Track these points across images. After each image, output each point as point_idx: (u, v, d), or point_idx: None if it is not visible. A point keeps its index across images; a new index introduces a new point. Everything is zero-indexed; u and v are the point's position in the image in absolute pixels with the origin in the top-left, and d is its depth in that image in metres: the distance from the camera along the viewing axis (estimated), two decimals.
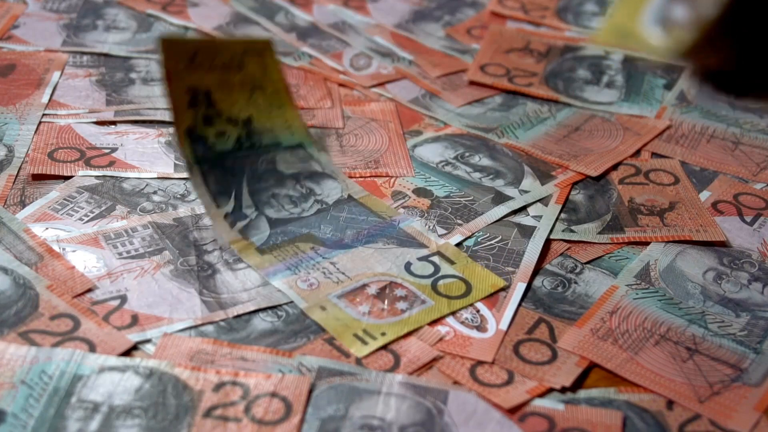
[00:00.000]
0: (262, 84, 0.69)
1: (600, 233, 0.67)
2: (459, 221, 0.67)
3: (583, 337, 0.57)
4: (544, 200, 0.69)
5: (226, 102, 0.67)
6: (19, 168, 0.69)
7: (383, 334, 0.57)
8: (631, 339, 0.57)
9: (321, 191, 0.67)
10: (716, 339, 0.58)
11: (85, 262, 0.61)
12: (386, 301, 0.59)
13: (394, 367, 0.55)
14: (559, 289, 0.62)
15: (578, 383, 0.55)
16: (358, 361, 0.55)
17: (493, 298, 0.60)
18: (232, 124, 0.66)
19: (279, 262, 0.60)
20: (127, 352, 0.55)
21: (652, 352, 0.57)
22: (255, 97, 0.68)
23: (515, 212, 0.68)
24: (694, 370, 0.56)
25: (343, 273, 0.60)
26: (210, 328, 0.57)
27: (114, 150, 0.71)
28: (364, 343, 0.56)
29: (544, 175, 0.72)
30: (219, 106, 0.66)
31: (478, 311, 0.59)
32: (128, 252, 0.62)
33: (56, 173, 0.68)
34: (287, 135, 0.69)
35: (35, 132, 0.72)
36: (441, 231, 0.66)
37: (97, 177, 0.68)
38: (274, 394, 0.53)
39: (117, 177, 0.68)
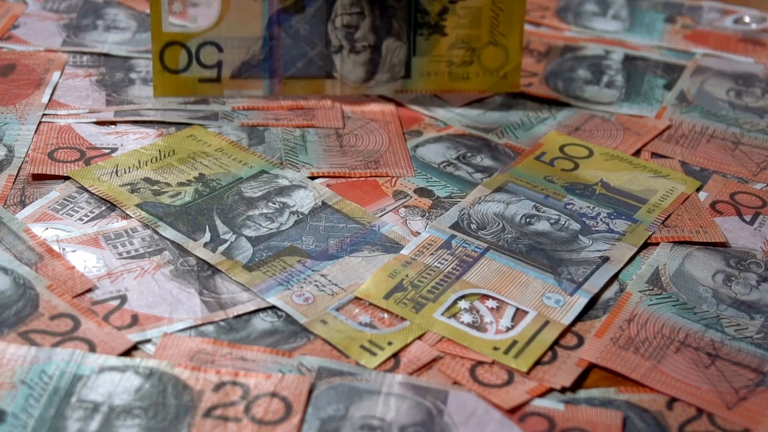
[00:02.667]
0: (203, 150, 0.71)
1: None
2: None
3: (605, 347, 0.57)
4: None
5: (170, 176, 0.68)
6: (19, 168, 0.69)
7: (390, 343, 0.57)
8: (651, 347, 0.57)
9: (294, 202, 0.67)
10: (734, 343, 0.58)
11: (85, 262, 0.61)
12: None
13: (394, 367, 0.55)
14: None
15: (578, 383, 0.55)
16: (358, 362, 0.55)
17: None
18: (184, 185, 0.67)
19: (269, 278, 0.60)
20: (127, 352, 0.55)
21: (674, 359, 0.57)
22: (199, 160, 0.70)
23: None
24: (717, 376, 0.56)
25: (336, 284, 0.60)
26: (210, 328, 0.57)
27: (114, 150, 0.71)
28: (372, 354, 0.56)
29: None
30: (163, 181, 0.68)
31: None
32: (128, 252, 0.62)
33: (56, 173, 0.68)
34: (246, 169, 0.69)
35: (35, 132, 0.72)
36: None
37: None
38: (274, 394, 0.53)
39: None
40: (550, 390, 0.55)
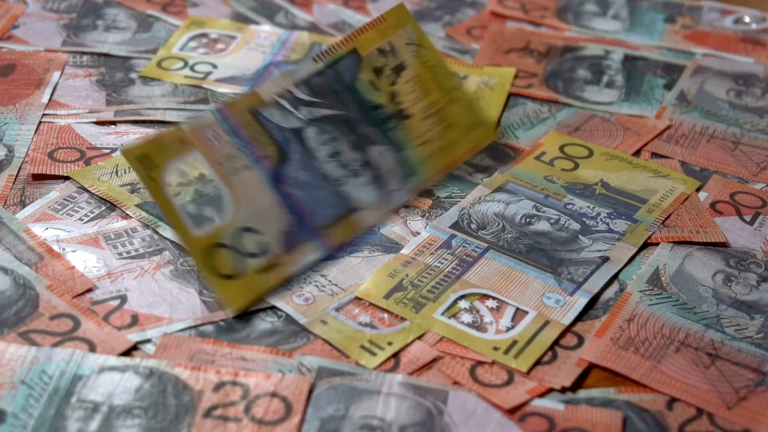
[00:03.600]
0: None
1: None
2: None
3: (605, 347, 0.57)
4: None
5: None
6: (19, 168, 0.69)
7: (390, 343, 0.57)
8: (651, 347, 0.57)
9: None
10: (735, 343, 0.58)
11: (85, 262, 0.61)
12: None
13: (394, 368, 0.55)
14: None
15: (578, 383, 0.55)
16: (358, 362, 0.55)
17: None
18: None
19: None
20: (127, 352, 0.55)
21: (674, 359, 0.57)
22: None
23: None
24: (717, 376, 0.56)
25: (335, 285, 0.60)
26: (210, 328, 0.57)
27: (114, 150, 0.71)
28: (373, 354, 0.56)
29: None
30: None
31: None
32: (128, 252, 0.62)
33: (56, 173, 0.68)
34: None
35: (35, 132, 0.72)
36: None
37: None
38: (274, 394, 0.53)
39: None
40: (550, 390, 0.55)
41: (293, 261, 0.61)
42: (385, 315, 0.59)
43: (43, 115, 0.74)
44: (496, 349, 0.56)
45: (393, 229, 0.65)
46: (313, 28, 0.89)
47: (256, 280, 0.59)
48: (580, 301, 0.60)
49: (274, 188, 0.62)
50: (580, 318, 0.59)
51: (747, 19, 0.97)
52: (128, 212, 0.65)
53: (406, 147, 0.68)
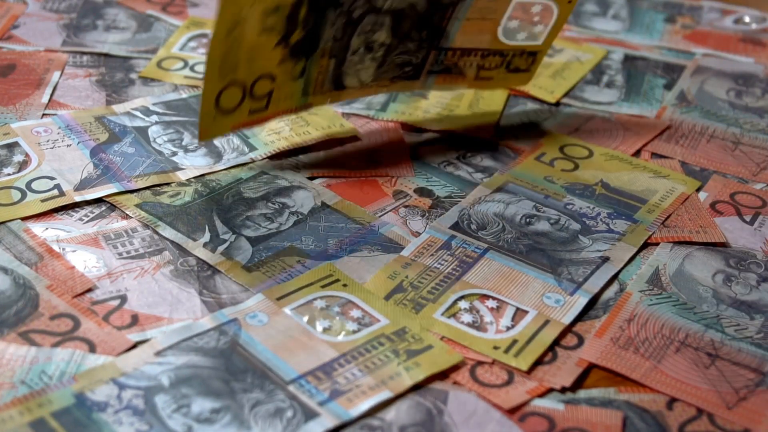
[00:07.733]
0: None
1: None
2: None
3: (605, 347, 0.57)
4: None
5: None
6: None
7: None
8: (651, 347, 0.57)
9: (294, 203, 0.67)
10: (734, 343, 0.58)
11: (85, 262, 0.61)
12: None
13: None
14: None
15: (578, 383, 0.55)
16: None
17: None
18: (183, 185, 0.67)
19: (269, 278, 0.60)
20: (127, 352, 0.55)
21: (675, 359, 0.57)
22: None
23: None
24: (717, 376, 0.56)
25: None
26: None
27: None
28: None
29: None
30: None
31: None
32: (128, 252, 0.62)
33: None
34: (245, 170, 0.69)
35: None
36: None
37: None
38: None
39: None
40: (550, 390, 0.55)
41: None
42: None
43: (43, 115, 0.74)
44: (496, 348, 0.56)
45: (392, 228, 0.65)
46: None
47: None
48: (580, 301, 0.60)
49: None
50: (580, 318, 0.59)
51: (747, 19, 0.97)
52: (128, 212, 0.65)
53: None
